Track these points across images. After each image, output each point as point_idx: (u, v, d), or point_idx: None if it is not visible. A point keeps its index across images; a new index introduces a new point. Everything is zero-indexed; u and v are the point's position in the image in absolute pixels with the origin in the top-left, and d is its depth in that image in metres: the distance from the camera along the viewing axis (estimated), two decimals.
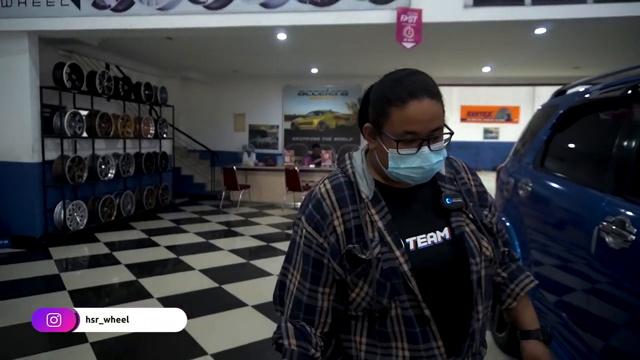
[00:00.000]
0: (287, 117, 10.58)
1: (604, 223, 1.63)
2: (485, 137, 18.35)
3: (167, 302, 3.58)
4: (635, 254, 1.48)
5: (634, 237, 1.47)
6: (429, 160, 0.93)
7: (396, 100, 0.89)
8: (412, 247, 0.92)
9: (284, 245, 5.63)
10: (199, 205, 9.01)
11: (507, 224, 2.73)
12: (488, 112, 18.33)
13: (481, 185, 1.11)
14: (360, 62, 8.17)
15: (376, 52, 7.21)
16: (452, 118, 18.10)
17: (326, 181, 1.00)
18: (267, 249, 5.65)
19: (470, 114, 18.45)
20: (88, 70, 6.45)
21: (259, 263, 4.96)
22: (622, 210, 1.59)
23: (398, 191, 0.99)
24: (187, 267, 4.80)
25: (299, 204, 7.09)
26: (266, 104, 10.55)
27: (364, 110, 1.02)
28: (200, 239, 6.13)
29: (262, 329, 3.20)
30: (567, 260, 2.02)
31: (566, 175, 2.29)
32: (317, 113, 10.50)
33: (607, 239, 1.60)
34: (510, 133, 16.67)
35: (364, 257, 0.89)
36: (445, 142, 0.95)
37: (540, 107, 3.06)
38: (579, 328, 1.85)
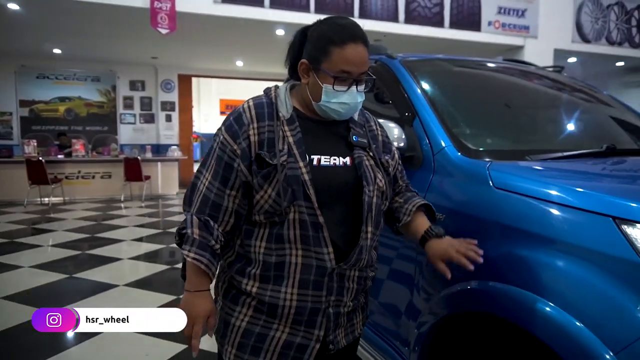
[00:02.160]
0: (24, 103, 9.17)
1: None
2: None
3: None
4: None
5: None
6: (355, 98, 1.07)
7: (339, 41, 1.02)
8: (315, 162, 1.05)
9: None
10: None
11: None
12: None
13: (387, 137, 1.27)
14: (114, 46, 7.81)
15: (132, 38, 7.05)
16: (212, 111, 18.68)
17: (250, 100, 1.11)
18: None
19: (228, 107, 19.38)
20: None
21: None
22: None
23: (314, 120, 1.11)
24: None
25: (49, 199, 6.33)
26: None
27: (297, 49, 1.12)
28: None
29: None
30: None
31: None
32: (63, 99, 9.44)
33: None
34: None
35: (271, 162, 1.01)
36: (367, 86, 1.10)
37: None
38: None
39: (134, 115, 10.00)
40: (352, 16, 6.01)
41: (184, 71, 10.01)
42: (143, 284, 3.66)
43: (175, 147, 9.21)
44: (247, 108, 1.07)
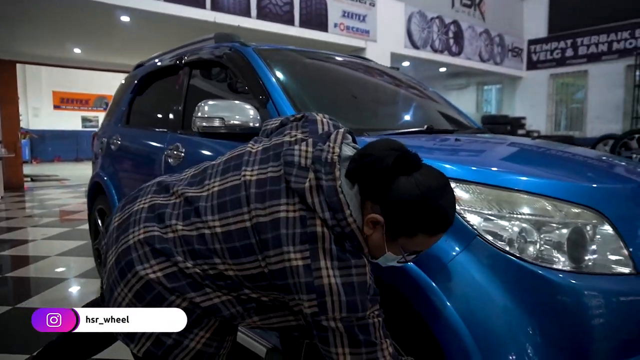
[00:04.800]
0: None
1: (168, 150, 2.28)
2: (84, 126, 17.66)
3: None
4: (190, 163, 2.18)
5: (183, 154, 2.16)
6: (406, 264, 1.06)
7: (429, 231, 0.94)
8: None
9: None
10: None
11: (105, 178, 3.10)
12: (85, 100, 17.73)
13: None
14: None
15: None
16: (42, 105, 16.43)
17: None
18: None
19: (64, 101, 17.29)
20: None
21: None
22: (177, 140, 2.27)
23: None
24: None
25: None
26: None
27: (380, 176, 0.93)
28: None
29: None
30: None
31: (144, 126, 2.89)
32: None
33: (169, 160, 2.25)
34: None
35: None
36: None
37: (123, 80, 3.56)
38: None
39: None
40: (204, 7, 5.92)
41: (4, 55, 8.60)
42: None
43: None
44: (369, 273, 0.95)
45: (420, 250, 1.00)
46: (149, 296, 0.97)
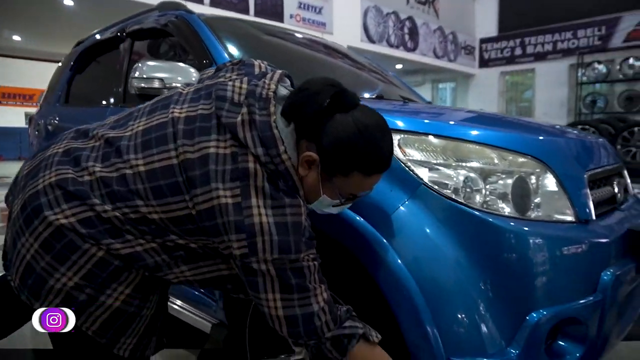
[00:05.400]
0: None
1: None
2: (28, 123, 16.70)
3: None
4: None
5: None
6: (343, 210, 1.02)
7: (366, 172, 0.91)
8: None
9: None
10: None
11: None
12: (30, 95, 16.76)
13: None
14: None
15: None
16: None
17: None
18: None
19: (6, 96, 16.30)
20: None
21: None
22: (119, 113, 2.14)
23: None
24: None
25: None
26: None
27: (319, 109, 0.88)
28: None
29: None
30: None
31: (85, 103, 2.72)
32: None
33: None
34: None
35: None
36: None
37: (62, 60, 3.35)
38: None
39: None
40: None
41: None
42: None
43: None
44: (304, 214, 0.89)
45: (355, 193, 0.96)
46: (59, 245, 0.86)
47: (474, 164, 1.11)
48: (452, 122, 1.24)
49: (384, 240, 1.06)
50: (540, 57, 11.99)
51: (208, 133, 0.87)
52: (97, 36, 2.81)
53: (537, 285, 1.04)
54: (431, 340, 0.99)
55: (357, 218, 1.09)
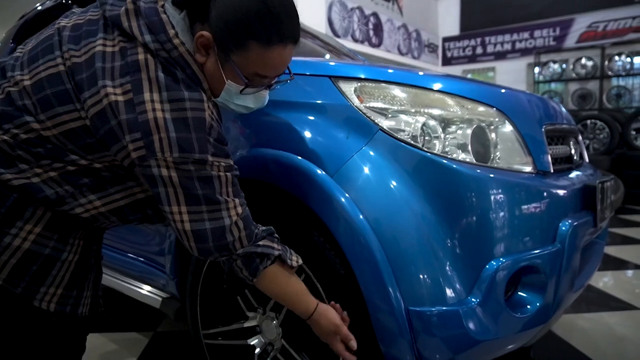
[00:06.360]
0: None
1: None
2: None
3: None
4: None
5: None
6: (263, 102, 0.92)
7: (264, 40, 0.80)
8: None
9: None
10: None
11: None
12: None
13: None
14: None
15: None
16: None
17: (187, 93, 0.79)
18: None
19: None
20: None
21: None
22: None
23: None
24: None
25: None
26: None
27: None
28: None
29: None
30: None
31: None
32: None
33: None
34: None
35: None
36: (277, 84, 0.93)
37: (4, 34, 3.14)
38: None
39: None
40: None
41: None
42: None
43: None
44: (209, 110, 0.81)
45: (261, 72, 0.85)
46: None
47: (433, 111, 1.07)
48: (412, 72, 1.20)
49: (340, 188, 1.00)
50: (500, 56, 12.33)
51: (95, 34, 0.80)
52: (39, 7, 2.64)
53: (496, 234, 1.01)
54: (390, 290, 0.94)
55: (311, 167, 1.03)
